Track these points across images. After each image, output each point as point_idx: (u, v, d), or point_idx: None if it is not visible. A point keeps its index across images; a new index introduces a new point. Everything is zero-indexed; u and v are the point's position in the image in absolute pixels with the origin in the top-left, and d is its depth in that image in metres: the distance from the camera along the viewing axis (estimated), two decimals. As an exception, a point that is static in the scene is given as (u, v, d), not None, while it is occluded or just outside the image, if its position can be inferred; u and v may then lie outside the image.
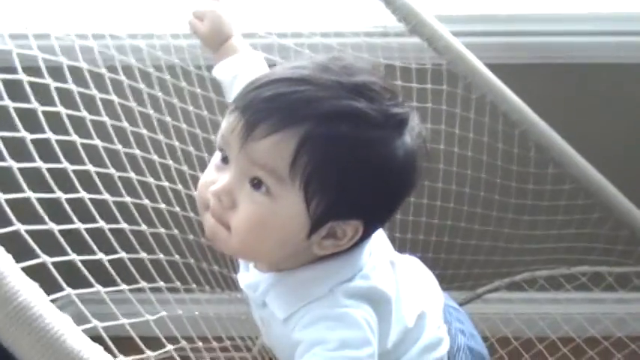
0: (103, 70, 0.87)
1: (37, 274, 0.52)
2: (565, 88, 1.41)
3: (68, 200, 0.67)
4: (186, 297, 0.90)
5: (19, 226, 0.56)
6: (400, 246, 1.16)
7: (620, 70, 1.38)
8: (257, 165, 0.65)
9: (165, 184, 0.92)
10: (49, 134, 0.70)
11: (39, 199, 0.62)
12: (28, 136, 0.66)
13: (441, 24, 1.20)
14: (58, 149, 0.70)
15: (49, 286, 0.52)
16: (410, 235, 1.26)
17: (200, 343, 0.81)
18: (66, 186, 0.69)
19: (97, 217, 0.71)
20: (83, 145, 0.77)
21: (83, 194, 0.71)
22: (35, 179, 0.66)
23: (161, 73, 1.00)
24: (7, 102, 0.66)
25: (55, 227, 0.63)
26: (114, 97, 0.87)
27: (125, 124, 0.87)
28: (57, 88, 0.75)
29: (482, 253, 1.35)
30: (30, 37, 0.76)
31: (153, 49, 1.00)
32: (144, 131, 0.91)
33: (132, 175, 0.85)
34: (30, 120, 0.69)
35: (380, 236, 0.80)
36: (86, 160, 0.76)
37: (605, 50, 1.38)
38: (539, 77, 1.39)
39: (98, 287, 0.64)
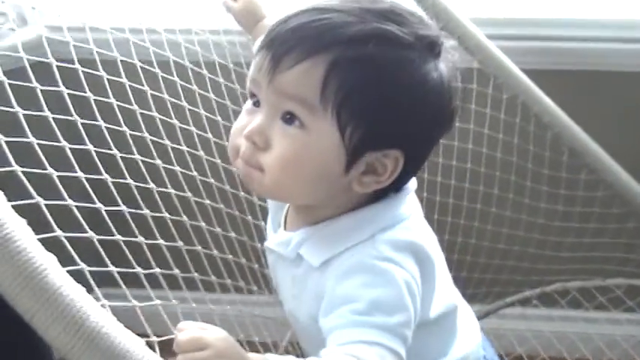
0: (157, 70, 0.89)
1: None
2: (593, 96, 1.38)
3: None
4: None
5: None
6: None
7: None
8: (287, 97, 0.64)
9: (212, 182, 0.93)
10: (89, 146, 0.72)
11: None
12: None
13: (472, 23, 1.19)
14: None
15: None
16: (436, 235, 1.24)
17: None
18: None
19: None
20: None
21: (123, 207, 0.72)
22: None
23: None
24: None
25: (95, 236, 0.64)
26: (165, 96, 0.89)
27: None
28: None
29: (511, 258, 1.32)
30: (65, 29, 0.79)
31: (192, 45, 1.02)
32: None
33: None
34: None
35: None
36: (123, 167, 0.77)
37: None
38: (568, 84, 1.36)
39: (112, 267, 0.63)
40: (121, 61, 0.85)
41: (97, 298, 0.50)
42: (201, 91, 0.99)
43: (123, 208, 0.73)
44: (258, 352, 0.71)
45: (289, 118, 0.64)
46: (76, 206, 0.63)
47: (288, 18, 0.65)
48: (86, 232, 0.61)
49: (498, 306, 1.38)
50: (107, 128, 0.77)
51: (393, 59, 0.63)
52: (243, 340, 0.79)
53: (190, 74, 0.98)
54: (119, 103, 0.81)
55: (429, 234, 0.73)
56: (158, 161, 0.84)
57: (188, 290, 0.82)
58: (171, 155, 0.89)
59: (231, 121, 0.98)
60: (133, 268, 0.66)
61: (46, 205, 0.57)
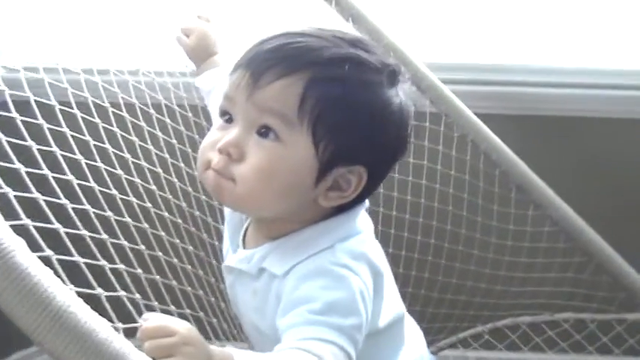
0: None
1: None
2: (551, 141, 1.45)
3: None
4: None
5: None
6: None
7: (609, 124, 1.43)
8: (265, 111, 0.68)
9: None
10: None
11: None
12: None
13: (424, 65, 1.25)
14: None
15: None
16: (391, 267, 1.26)
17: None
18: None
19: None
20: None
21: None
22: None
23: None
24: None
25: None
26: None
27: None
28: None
29: (464, 292, 1.35)
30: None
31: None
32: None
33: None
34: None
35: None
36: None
37: (593, 104, 1.42)
38: (525, 129, 1.43)
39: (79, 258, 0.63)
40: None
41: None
42: (150, 129, 0.99)
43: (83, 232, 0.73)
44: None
45: (265, 131, 0.68)
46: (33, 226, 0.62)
47: (264, 41, 0.71)
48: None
49: (452, 341, 1.40)
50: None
51: (364, 81, 0.70)
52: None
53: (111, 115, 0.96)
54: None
55: (378, 248, 0.78)
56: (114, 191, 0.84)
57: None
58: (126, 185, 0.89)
59: (177, 157, 1.01)
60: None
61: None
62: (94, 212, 0.67)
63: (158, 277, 0.76)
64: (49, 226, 0.59)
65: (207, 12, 1.00)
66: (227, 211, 0.84)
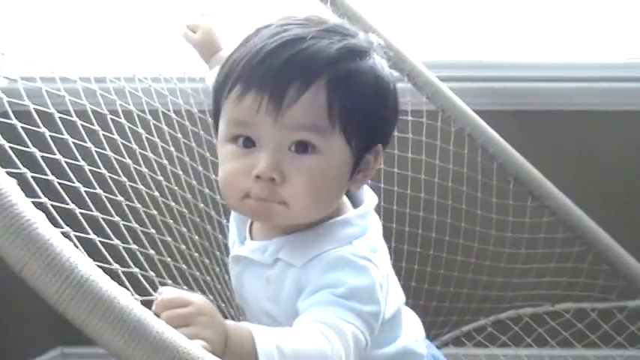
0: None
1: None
2: (547, 135, 1.48)
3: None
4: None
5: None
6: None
7: (604, 117, 1.45)
8: (298, 128, 0.68)
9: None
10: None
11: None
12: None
13: (419, 62, 1.28)
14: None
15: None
16: (392, 261, 1.27)
17: None
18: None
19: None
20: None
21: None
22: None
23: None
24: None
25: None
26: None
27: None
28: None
29: (466, 285, 1.37)
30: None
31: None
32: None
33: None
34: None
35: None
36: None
37: (587, 97, 1.45)
38: (521, 123, 1.46)
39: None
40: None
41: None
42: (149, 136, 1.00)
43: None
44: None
45: (301, 147, 0.69)
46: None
47: (266, 55, 0.68)
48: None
49: (456, 335, 1.42)
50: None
51: (368, 67, 0.72)
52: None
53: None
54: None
55: (384, 244, 0.81)
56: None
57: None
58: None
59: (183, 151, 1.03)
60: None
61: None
62: (106, 196, 0.69)
63: (169, 259, 0.78)
64: (65, 206, 0.61)
65: (210, 9, 1.02)
66: None
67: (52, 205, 0.58)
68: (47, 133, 0.68)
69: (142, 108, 0.99)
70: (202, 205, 1.01)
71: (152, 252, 0.74)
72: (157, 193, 0.88)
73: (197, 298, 0.57)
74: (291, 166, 0.69)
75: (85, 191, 0.68)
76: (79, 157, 0.72)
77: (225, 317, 0.91)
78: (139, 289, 0.61)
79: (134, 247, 0.69)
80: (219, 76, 0.73)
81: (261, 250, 0.76)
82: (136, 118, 0.96)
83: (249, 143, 0.70)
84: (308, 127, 0.68)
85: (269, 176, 0.68)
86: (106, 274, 0.51)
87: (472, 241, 1.34)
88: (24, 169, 0.58)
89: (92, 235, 0.61)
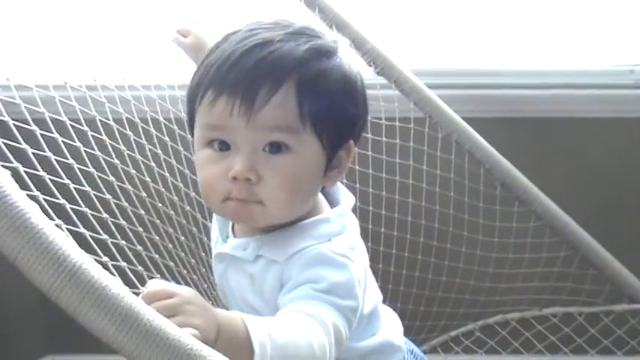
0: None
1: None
2: (535, 141, 1.50)
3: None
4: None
5: None
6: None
7: (592, 124, 1.48)
8: (271, 129, 0.70)
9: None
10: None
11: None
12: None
13: (406, 68, 1.30)
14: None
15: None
16: (381, 266, 1.29)
17: None
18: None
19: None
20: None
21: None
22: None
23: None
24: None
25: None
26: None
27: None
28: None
29: (454, 290, 1.38)
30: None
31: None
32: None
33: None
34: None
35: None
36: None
37: (575, 104, 1.47)
38: (509, 130, 1.48)
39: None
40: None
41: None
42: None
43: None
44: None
45: (275, 147, 0.71)
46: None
47: (237, 60, 0.70)
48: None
49: (444, 339, 1.42)
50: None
51: (333, 67, 0.74)
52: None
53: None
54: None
55: (362, 242, 0.82)
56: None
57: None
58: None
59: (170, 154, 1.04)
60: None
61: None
62: (94, 194, 0.70)
63: (157, 255, 0.78)
64: (55, 200, 0.61)
65: (198, 15, 1.04)
66: None
67: (44, 199, 0.59)
68: (38, 131, 0.69)
69: (132, 113, 1.01)
70: (188, 207, 1.02)
71: (140, 248, 0.75)
72: (144, 194, 0.89)
73: (182, 290, 0.58)
74: (265, 167, 0.71)
75: (74, 188, 0.69)
76: (69, 156, 0.73)
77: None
78: (127, 283, 0.61)
79: (122, 242, 0.70)
80: (192, 82, 0.75)
81: (242, 247, 0.78)
82: (125, 122, 0.98)
83: (224, 147, 0.72)
84: (280, 128, 0.70)
85: (245, 177, 0.70)
86: (96, 265, 0.52)
87: (460, 246, 1.36)
88: (17, 164, 0.59)
89: (82, 229, 0.62)
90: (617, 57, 1.48)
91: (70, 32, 1.33)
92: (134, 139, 0.98)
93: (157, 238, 0.83)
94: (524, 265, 1.38)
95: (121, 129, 0.96)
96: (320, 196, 0.81)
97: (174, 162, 1.03)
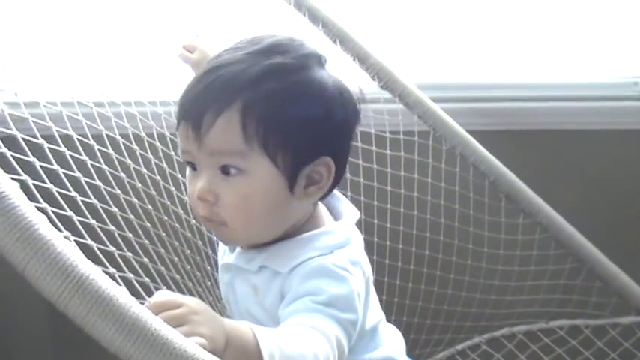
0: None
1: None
2: (539, 154, 1.50)
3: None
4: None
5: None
6: (377, 291, 1.20)
7: (596, 136, 1.48)
8: (218, 154, 0.72)
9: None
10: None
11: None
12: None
13: (410, 82, 1.30)
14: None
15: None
16: (387, 279, 1.30)
17: None
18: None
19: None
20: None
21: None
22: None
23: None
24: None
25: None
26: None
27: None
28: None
29: (460, 303, 1.38)
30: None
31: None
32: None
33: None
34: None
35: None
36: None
37: (578, 116, 1.48)
38: (512, 143, 1.48)
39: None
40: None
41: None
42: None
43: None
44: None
45: (227, 170, 0.72)
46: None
47: (190, 87, 0.74)
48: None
49: (450, 353, 1.42)
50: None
51: (290, 85, 0.72)
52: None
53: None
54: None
55: (366, 257, 0.82)
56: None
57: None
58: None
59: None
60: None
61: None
62: (101, 207, 0.71)
63: (163, 268, 0.79)
64: (63, 212, 0.62)
65: (204, 31, 1.05)
66: None
67: (52, 212, 0.60)
68: (46, 145, 0.70)
69: (138, 128, 1.02)
70: (193, 220, 1.03)
71: (146, 260, 0.75)
72: (150, 207, 0.90)
73: (189, 300, 0.59)
74: (222, 188, 0.72)
75: (81, 201, 0.69)
76: (75, 169, 0.74)
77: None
78: (134, 294, 0.62)
79: (129, 254, 0.71)
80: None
81: (248, 258, 0.79)
82: (132, 137, 0.99)
83: (194, 168, 0.75)
84: (226, 152, 0.72)
85: (204, 198, 0.73)
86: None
87: (465, 258, 1.36)
88: (25, 176, 0.59)
89: (89, 241, 0.62)
90: (621, 69, 1.49)
91: (77, 48, 1.34)
92: (140, 154, 0.99)
93: (163, 250, 0.84)
94: (530, 277, 1.37)
95: (127, 143, 0.97)
96: (322, 209, 0.82)
97: (179, 176, 1.04)
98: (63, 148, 0.74)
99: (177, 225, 0.98)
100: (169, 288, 0.81)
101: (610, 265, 1.34)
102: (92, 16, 1.34)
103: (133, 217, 0.83)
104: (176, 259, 0.86)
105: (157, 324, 0.52)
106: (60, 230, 0.55)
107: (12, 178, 0.54)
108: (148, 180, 0.95)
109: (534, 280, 1.38)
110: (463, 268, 1.36)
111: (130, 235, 0.77)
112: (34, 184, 0.61)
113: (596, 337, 1.37)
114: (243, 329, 0.62)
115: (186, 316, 0.57)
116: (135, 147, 0.98)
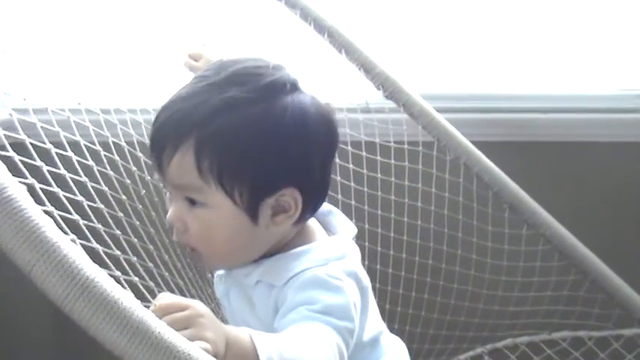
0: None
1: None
2: (544, 165, 1.50)
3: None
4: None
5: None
6: (380, 300, 1.20)
7: (601, 148, 1.48)
8: (177, 188, 0.74)
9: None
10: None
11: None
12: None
13: (415, 91, 1.31)
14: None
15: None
16: (390, 288, 1.30)
17: None
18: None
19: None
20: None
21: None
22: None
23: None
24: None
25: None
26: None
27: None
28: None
29: (463, 313, 1.38)
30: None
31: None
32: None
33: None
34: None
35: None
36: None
37: (584, 128, 1.49)
38: (517, 154, 1.48)
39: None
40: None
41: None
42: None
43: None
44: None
45: (190, 201, 0.74)
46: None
47: (155, 119, 0.75)
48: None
49: (453, 364, 1.42)
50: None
51: (242, 121, 0.71)
52: None
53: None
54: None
55: (363, 270, 0.82)
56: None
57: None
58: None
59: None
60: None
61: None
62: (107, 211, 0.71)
63: (167, 273, 0.80)
64: (69, 216, 0.63)
65: (210, 40, 1.06)
66: None
67: (59, 215, 0.60)
68: (53, 150, 0.71)
69: (143, 135, 1.03)
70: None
71: (151, 265, 0.76)
72: (154, 214, 0.90)
73: (194, 303, 0.59)
74: (188, 217, 0.74)
75: (87, 205, 0.70)
76: (82, 174, 0.75)
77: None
78: (139, 297, 0.62)
79: (134, 259, 0.72)
80: None
81: (246, 273, 0.79)
82: (136, 144, 1.00)
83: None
84: (183, 187, 0.73)
85: (175, 226, 0.75)
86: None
87: (468, 268, 1.36)
88: (32, 180, 0.60)
89: (95, 245, 0.63)
90: (624, 81, 1.49)
91: (83, 56, 1.35)
92: (144, 161, 1.00)
93: (167, 256, 0.84)
94: (533, 288, 1.37)
95: (132, 150, 0.98)
96: (314, 224, 0.82)
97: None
98: (69, 153, 0.75)
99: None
100: (173, 294, 0.81)
101: (613, 277, 1.34)
102: (99, 24, 1.35)
103: (138, 222, 0.83)
104: (179, 265, 0.87)
105: (161, 327, 0.53)
106: (66, 233, 0.55)
107: (19, 182, 0.54)
108: (151, 187, 0.96)
109: (537, 291, 1.38)
110: (466, 279, 1.36)
111: (135, 240, 0.78)
112: (40, 188, 0.61)
113: (599, 349, 1.37)
114: (242, 335, 0.62)
115: (192, 319, 0.57)
116: (139, 154, 0.98)
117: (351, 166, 1.26)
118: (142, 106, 1.09)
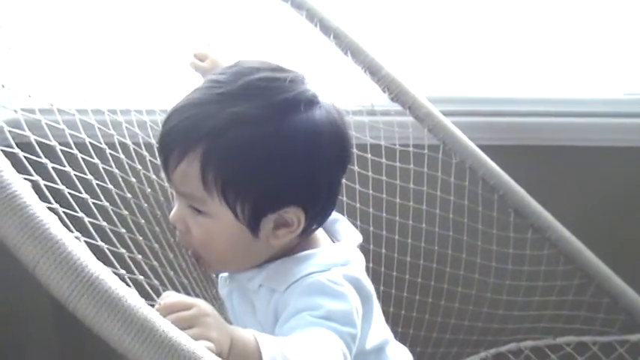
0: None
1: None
2: (549, 170, 1.50)
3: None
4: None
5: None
6: (384, 303, 1.20)
7: (608, 152, 1.47)
8: (181, 194, 0.74)
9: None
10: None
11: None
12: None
13: (421, 94, 1.30)
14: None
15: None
16: (394, 291, 1.29)
17: None
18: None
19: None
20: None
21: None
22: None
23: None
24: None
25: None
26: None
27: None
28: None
29: (467, 317, 1.37)
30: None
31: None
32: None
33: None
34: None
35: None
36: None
37: (590, 132, 1.47)
38: (523, 158, 1.48)
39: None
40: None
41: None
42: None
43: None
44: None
45: (194, 208, 0.74)
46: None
47: (166, 120, 0.74)
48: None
49: (457, 368, 1.41)
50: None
51: (251, 138, 0.70)
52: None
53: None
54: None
55: (367, 278, 0.81)
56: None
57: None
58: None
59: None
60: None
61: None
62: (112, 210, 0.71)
63: (172, 272, 0.80)
64: (74, 213, 0.62)
65: (216, 41, 1.05)
66: None
67: (64, 212, 0.60)
68: (58, 147, 0.71)
69: (149, 135, 1.02)
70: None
71: (156, 263, 0.76)
72: (159, 212, 0.90)
73: (200, 302, 0.59)
74: (191, 221, 0.75)
75: (93, 203, 0.70)
76: (87, 172, 0.75)
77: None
78: (143, 295, 0.62)
79: (139, 257, 0.72)
80: None
81: (249, 277, 0.79)
82: (142, 144, 0.99)
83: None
84: (187, 195, 0.73)
85: (176, 226, 0.76)
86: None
87: (473, 272, 1.35)
88: (37, 177, 0.60)
89: (100, 242, 0.63)
90: (631, 85, 1.48)
91: (89, 55, 1.35)
92: (149, 160, 0.99)
93: (172, 255, 0.84)
94: (537, 292, 1.37)
95: (137, 149, 0.97)
96: (319, 231, 0.82)
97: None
98: (75, 151, 0.75)
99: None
100: (178, 292, 0.81)
101: (618, 282, 1.33)
102: (105, 24, 1.35)
103: (143, 220, 0.83)
104: (184, 264, 0.86)
105: (166, 325, 0.52)
106: (71, 231, 0.55)
107: (24, 179, 0.54)
108: (157, 186, 0.96)
109: (542, 296, 1.37)
110: (471, 282, 1.36)
111: (140, 238, 0.78)
112: (45, 185, 0.61)
113: (604, 355, 1.36)
114: (246, 335, 0.62)
115: (197, 318, 0.57)
116: (145, 153, 0.98)
117: (356, 168, 1.25)
118: (149, 106, 1.09)
